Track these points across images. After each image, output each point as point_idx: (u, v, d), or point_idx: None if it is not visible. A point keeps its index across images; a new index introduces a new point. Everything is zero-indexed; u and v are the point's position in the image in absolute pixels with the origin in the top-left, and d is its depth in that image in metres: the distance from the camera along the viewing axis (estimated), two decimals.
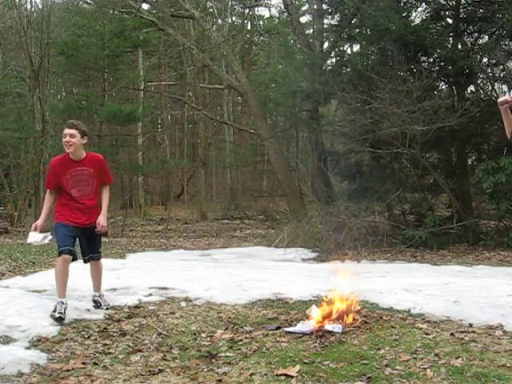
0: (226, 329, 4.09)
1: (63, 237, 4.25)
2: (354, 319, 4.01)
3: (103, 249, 10.48)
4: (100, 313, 4.43)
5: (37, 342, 3.65)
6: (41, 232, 4.30)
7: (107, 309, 4.51)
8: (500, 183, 8.82)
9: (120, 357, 3.49)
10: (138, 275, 6.25)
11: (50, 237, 4.33)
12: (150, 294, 5.16)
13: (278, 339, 3.75)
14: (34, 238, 4.28)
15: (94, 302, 4.62)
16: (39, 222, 4.32)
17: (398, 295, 4.96)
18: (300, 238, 10.23)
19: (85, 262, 4.63)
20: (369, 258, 8.69)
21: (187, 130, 23.96)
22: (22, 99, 18.33)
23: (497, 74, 10.79)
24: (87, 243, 4.50)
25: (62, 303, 4.13)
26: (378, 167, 11.57)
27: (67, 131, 4.28)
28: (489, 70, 10.64)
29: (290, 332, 3.87)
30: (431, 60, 11.12)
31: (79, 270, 6.87)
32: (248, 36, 25.13)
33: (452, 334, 3.68)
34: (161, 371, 3.25)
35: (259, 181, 26.22)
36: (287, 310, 4.62)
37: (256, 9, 25.34)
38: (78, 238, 4.40)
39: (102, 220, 4.36)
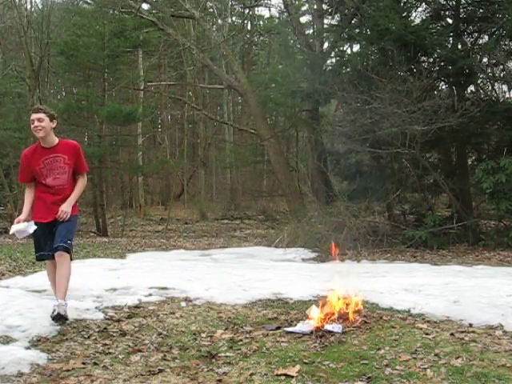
0: (226, 329, 4.09)
1: (44, 240, 4.04)
2: (354, 319, 4.02)
3: (103, 249, 10.58)
4: (100, 313, 4.43)
5: (37, 342, 3.65)
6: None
7: (58, 319, 3.89)
8: (500, 183, 8.82)
9: (120, 357, 3.49)
10: (138, 275, 6.25)
11: (34, 226, 4.03)
12: (150, 294, 5.16)
13: (278, 339, 3.75)
14: (17, 227, 4.01)
15: (54, 312, 3.92)
16: (21, 216, 4.06)
17: (398, 295, 4.97)
18: (300, 238, 10.23)
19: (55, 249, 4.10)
20: (369, 258, 8.69)
21: (187, 129, 24.00)
22: (22, 99, 18.33)
23: (497, 74, 10.80)
24: (57, 232, 4.06)
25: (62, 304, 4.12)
26: (378, 167, 11.57)
27: (34, 116, 4.02)
28: (489, 70, 10.64)
29: (290, 332, 3.87)
30: (431, 60, 11.13)
31: (78, 270, 6.88)
32: (248, 36, 25.14)
33: (452, 334, 3.68)
34: (161, 371, 3.25)
35: (259, 181, 26.24)
36: (287, 309, 4.62)
37: (256, 9, 25.41)
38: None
39: (64, 206, 4.03)
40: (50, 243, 4.06)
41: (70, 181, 4.17)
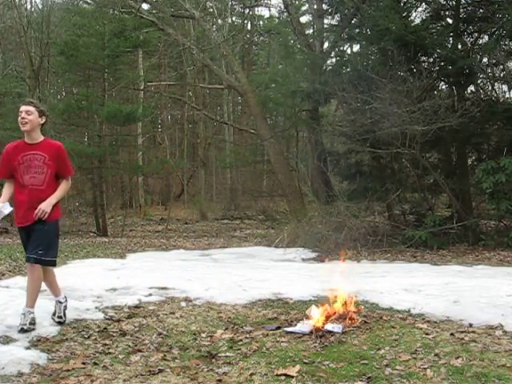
0: (226, 329, 4.09)
1: (24, 246, 3.94)
2: (353, 319, 4.01)
3: (103, 249, 10.57)
4: (100, 313, 4.43)
5: (37, 342, 3.65)
6: None
7: (23, 328, 3.75)
8: (500, 183, 8.82)
9: (120, 357, 3.49)
10: (138, 275, 6.26)
11: (9, 208, 3.85)
12: (150, 294, 5.16)
13: (278, 339, 3.75)
14: None
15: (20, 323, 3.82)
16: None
17: (398, 295, 4.97)
18: (300, 238, 10.23)
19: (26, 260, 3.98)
20: (369, 258, 8.69)
21: (187, 129, 23.97)
22: (22, 99, 18.27)
23: (497, 74, 10.79)
24: (30, 241, 3.88)
25: (60, 302, 4.11)
26: (378, 167, 11.57)
27: (23, 108, 3.90)
28: (489, 70, 10.64)
29: (290, 332, 3.87)
30: (431, 60, 11.13)
31: (78, 270, 6.89)
32: (248, 36, 25.14)
33: (452, 334, 3.68)
34: (161, 371, 3.25)
35: (259, 181, 26.23)
36: (287, 309, 4.62)
37: (256, 9, 25.40)
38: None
39: (43, 205, 3.80)
40: None
41: (49, 183, 3.92)
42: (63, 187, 4.01)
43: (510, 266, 7.33)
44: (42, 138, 4.01)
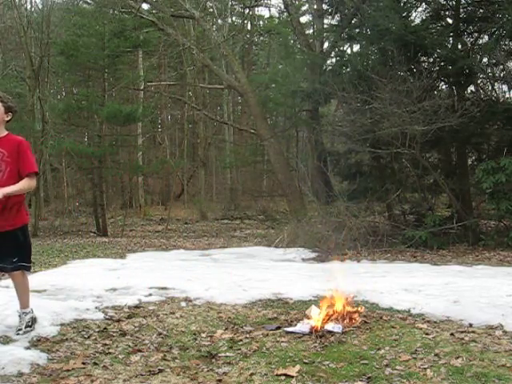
0: (226, 329, 4.09)
1: None
2: (353, 319, 4.01)
3: (103, 249, 10.57)
4: (100, 313, 4.43)
5: (37, 342, 3.65)
6: None
7: (18, 333, 3.72)
8: (500, 183, 8.82)
9: (120, 357, 3.49)
10: (138, 275, 6.26)
11: None
12: (150, 294, 5.16)
13: (278, 339, 3.75)
14: None
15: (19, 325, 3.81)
16: None
17: (398, 295, 4.97)
18: (300, 238, 10.23)
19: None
20: (369, 258, 8.69)
21: (187, 129, 23.97)
22: (22, 99, 18.31)
23: (497, 74, 10.80)
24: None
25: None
26: (378, 167, 11.58)
27: None
28: (489, 70, 10.64)
29: (290, 332, 3.87)
30: (431, 60, 11.13)
31: (78, 270, 6.89)
32: (248, 36, 25.15)
33: (452, 334, 3.68)
34: (161, 371, 3.24)
35: (259, 181, 26.24)
36: (287, 309, 4.62)
37: (256, 9, 25.41)
38: None
39: None
40: None
41: (7, 182, 3.56)
42: (22, 183, 3.59)
43: (510, 266, 7.34)
44: (5, 133, 3.73)
